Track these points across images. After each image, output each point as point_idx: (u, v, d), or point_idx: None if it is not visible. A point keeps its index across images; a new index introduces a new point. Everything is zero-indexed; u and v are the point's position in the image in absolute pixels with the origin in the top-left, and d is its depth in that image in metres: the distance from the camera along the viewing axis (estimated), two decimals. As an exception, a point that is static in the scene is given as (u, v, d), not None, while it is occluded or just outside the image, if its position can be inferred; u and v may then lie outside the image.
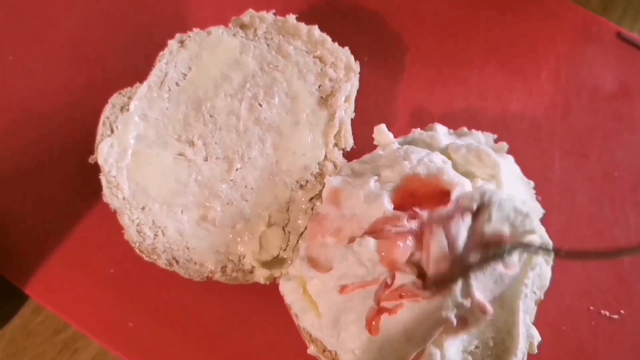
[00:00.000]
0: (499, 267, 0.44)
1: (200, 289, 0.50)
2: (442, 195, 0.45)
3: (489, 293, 0.43)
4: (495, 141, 0.54)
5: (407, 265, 0.43)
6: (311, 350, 0.47)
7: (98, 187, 0.49)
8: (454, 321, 0.42)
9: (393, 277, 0.43)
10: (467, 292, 0.42)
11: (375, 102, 0.56)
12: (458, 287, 0.42)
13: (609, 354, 0.51)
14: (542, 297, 0.48)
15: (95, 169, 0.48)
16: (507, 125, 0.58)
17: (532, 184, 0.52)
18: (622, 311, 0.53)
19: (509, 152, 0.53)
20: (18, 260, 0.53)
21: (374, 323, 0.44)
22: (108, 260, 0.52)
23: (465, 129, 0.54)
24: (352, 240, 0.44)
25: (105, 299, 0.52)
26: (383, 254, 0.43)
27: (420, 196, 0.45)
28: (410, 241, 0.43)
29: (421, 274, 0.44)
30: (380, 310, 0.44)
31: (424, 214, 0.44)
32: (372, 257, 0.43)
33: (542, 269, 0.48)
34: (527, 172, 0.52)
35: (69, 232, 0.52)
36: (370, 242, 0.43)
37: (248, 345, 0.50)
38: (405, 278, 0.44)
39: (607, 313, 0.53)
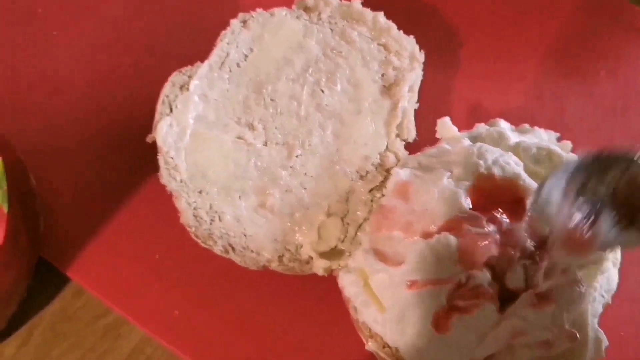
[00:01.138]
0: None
1: (250, 279, 0.48)
2: (517, 201, 0.44)
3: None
4: (558, 140, 0.52)
5: (484, 266, 0.42)
6: (369, 346, 0.46)
7: (151, 169, 0.47)
8: (529, 335, 0.41)
9: (469, 277, 0.42)
10: (558, 317, 0.41)
11: (434, 94, 0.55)
12: (549, 310, 0.41)
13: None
14: (610, 301, 0.47)
15: (152, 150, 0.46)
16: (565, 125, 0.57)
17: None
18: (681, 319, 0.51)
19: (572, 151, 0.51)
20: (60, 241, 0.50)
21: (443, 321, 0.42)
22: (154, 246, 0.50)
23: (527, 125, 0.52)
24: (424, 236, 0.43)
25: (151, 286, 0.50)
26: (463, 252, 0.41)
27: (494, 199, 0.44)
28: (490, 243, 0.41)
29: (495, 278, 0.43)
30: (451, 309, 0.42)
31: (504, 220, 0.42)
32: (451, 255, 0.41)
33: (610, 273, 0.47)
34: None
35: (115, 214, 0.50)
36: (452, 239, 0.41)
37: (300, 339, 0.48)
38: (481, 279, 0.42)
39: (667, 321, 0.51)
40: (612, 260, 0.47)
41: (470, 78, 0.57)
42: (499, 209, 0.44)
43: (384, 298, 0.44)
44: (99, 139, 0.51)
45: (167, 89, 0.47)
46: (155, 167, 0.46)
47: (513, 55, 0.59)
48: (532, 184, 0.44)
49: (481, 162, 0.45)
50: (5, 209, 0.43)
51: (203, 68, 0.48)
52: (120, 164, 0.51)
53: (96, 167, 0.51)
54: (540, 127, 0.53)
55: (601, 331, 0.45)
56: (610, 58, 0.60)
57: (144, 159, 0.47)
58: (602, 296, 0.46)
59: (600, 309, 0.46)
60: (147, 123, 0.47)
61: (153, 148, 0.46)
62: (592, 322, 0.45)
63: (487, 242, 0.42)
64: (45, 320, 0.51)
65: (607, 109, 0.58)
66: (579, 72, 0.59)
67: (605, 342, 0.45)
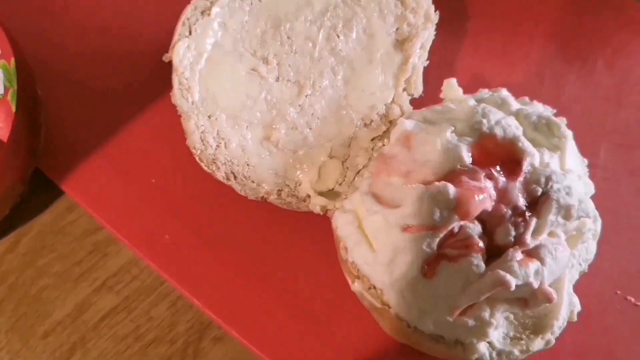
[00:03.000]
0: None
1: (245, 210, 0.49)
2: (514, 161, 0.45)
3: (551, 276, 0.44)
4: (555, 115, 0.54)
5: (477, 219, 0.43)
6: (355, 286, 0.47)
7: (162, 89, 0.47)
8: (513, 287, 0.42)
9: (461, 227, 0.43)
10: (540, 275, 0.42)
11: (442, 56, 0.56)
12: (533, 268, 0.42)
13: (632, 340, 0.52)
14: (586, 270, 0.49)
15: (166, 70, 0.46)
16: (562, 105, 0.58)
17: (586, 161, 0.52)
18: (647, 299, 0.54)
19: (566, 127, 0.53)
20: (58, 153, 0.51)
21: (431, 267, 0.44)
22: (154, 167, 0.51)
23: (527, 98, 0.54)
24: (424, 184, 0.44)
25: (145, 207, 0.50)
26: (460, 202, 0.43)
27: (493, 157, 0.45)
28: (486, 197, 0.43)
29: (485, 233, 0.44)
30: (440, 256, 0.44)
31: (501, 178, 0.44)
32: (448, 204, 0.43)
33: (589, 243, 0.49)
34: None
35: (118, 131, 0.51)
36: (451, 187, 0.43)
37: (287, 273, 0.49)
38: (473, 231, 0.43)
39: (633, 299, 0.54)
40: (593, 232, 0.49)
41: (477, 48, 0.58)
42: (497, 167, 0.45)
43: (376, 240, 0.45)
44: (114, 53, 0.51)
45: (188, 12, 0.47)
46: (167, 88, 0.47)
47: (519, 34, 0.60)
48: (530, 147, 0.46)
49: (484, 121, 0.46)
50: (13, 109, 0.43)
51: (226, -4, 0.48)
52: (132, 80, 0.51)
53: (106, 81, 0.51)
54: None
55: (576, 296, 0.47)
56: (608, 49, 0.62)
57: (157, 78, 0.47)
58: (580, 264, 0.48)
59: (576, 276, 0.48)
60: (165, 42, 0.47)
61: (167, 68, 0.47)
62: (569, 286, 0.47)
63: (483, 195, 0.43)
64: (34, 230, 0.51)
65: (602, 97, 0.60)
66: (579, 58, 0.61)
67: (578, 307, 0.47)
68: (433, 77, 0.53)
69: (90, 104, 0.51)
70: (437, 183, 0.44)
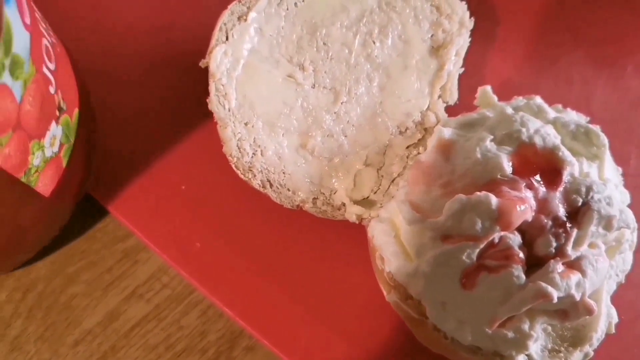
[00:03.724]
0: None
1: (277, 218, 0.49)
2: (554, 171, 0.45)
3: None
4: (588, 123, 0.53)
5: (517, 230, 0.43)
6: (391, 296, 0.46)
7: (196, 96, 0.46)
8: (555, 299, 0.42)
9: (501, 238, 0.43)
10: (581, 287, 0.42)
11: (475, 62, 0.55)
12: (574, 280, 0.42)
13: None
14: (623, 280, 0.48)
15: (203, 76, 0.46)
16: (591, 112, 0.58)
17: (620, 170, 0.52)
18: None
19: (599, 136, 0.53)
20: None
21: (470, 278, 0.43)
22: (183, 176, 0.50)
23: (560, 106, 0.53)
24: (463, 194, 0.43)
25: (175, 215, 0.50)
26: (501, 213, 0.42)
27: (533, 167, 0.45)
28: (527, 208, 0.42)
29: (525, 243, 0.44)
30: (480, 267, 0.43)
31: (541, 188, 0.43)
32: (490, 214, 0.42)
33: (626, 253, 0.48)
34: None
35: (151, 136, 0.50)
36: (493, 198, 0.42)
37: (320, 283, 0.48)
38: (513, 241, 0.43)
39: (666, 310, 0.53)
40: (630, 243, 0.48)
41: (508, 54, 0.58)
42: (537, 177, 0.45)
43: (414, 250, 0.45)
44: (151, 59, 0.51)
45: (225, 17, 0.46)
46: (205, 94, 0.46)
47: (550, 38, 0.60)
48: (570, 156, 0.45)
49: (523, 130, 0.46)
50: (64, 164, 0.41)
51: (262, 1, 0.47)
52: (169, 87, 0.50)
53: (143, 88, 0.50)
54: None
55: (613, 308, 0.47)
56: (638, 55, 0.61)
57: (194, 84, 0.46)
58: (617, 275, 0.48)
59: (614, 287, 0.48)
60: (203, 48, 0.46)
61: (204, 74, 0.46)
62: (606, 298, 0.46)
63: (525, 206, 0.43)
64: (62, 236, 0.50)
65: (631, 102, 0.59)
66: (607, 63, 0.61)
67: (615, 319, 0.47)
68: (466, 84, 0.53)
69: (126, 112, 0.50)
70: (478, 193, 0.43)
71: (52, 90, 0.35)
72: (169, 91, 0.50)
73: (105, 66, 0.51)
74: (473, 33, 0.53)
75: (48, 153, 0.36)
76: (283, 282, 0.48)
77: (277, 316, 0.48)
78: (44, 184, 0.38)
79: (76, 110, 0.41)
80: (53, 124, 0.36)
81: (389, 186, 0.48)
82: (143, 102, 0.50)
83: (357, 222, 0.47)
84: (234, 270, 0.49)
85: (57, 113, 0.36)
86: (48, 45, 0.35)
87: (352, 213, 0.46)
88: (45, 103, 0.34)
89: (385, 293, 0.47)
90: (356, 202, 0.47)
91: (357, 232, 0.48)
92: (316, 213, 0.47)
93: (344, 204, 0.47)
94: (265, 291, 0.48)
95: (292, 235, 0.49)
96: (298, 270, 0.49)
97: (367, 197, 0.48)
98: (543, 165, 0.45)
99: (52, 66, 0.35)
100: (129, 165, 0.49)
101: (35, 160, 0.35)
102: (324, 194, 0.47)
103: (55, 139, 0.37)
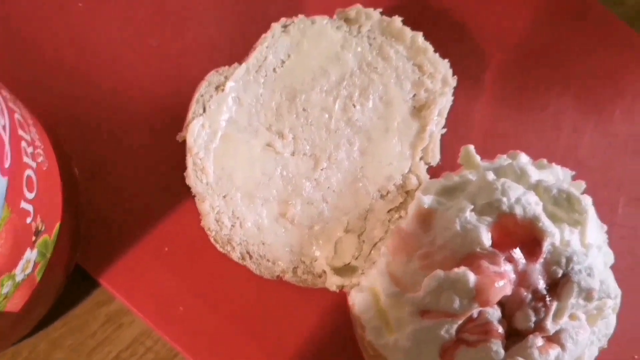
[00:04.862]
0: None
1: (261, 287, 0.48)
2: (534, 242, 0.44)
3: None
4: (573, 178, 0.53)
5: (496, 303, 0.43)
6: (372, 365, 0.46)
7: (177, 168, 0.46)
8: None
9: (480, 312, 0.43)
10: None
11: (458, 119, 0.55)
12: (553, 354, 0.42)
13: (649, 407, 0.52)
14: (606, 345, 0.48)
15: (180, 149, 0.45)
16: (579, 161, 0.58)
17: (605, 227, 0.51)
18: (665, 364, 0.53)
19: (584, 192, 0.52)
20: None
21: (449, 352, 0.43)
22: (164, 238, 0.50)
23: (545, 161, 0.53)
24: (442, 268, 0.43)
25: (158, 278, 0.49)
26: (479, 290, 0.42)
27: (513, 238, 0.44)
28: (505, 283, 0.42)
29: (504, 316, 0.44)
30: (459, 341, 0.43)
31: (521, 260, 0.43)
32: (469, 291, 0.42)
33: (609, 318, 0.48)
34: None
35: (132, 208, 0.50)
36: (471, 276, 0.42)
37: (304, 351, 0.48)
38: (492, 316, 0.43)
39: (651, 364, 0.53)
40: (612, 307, 0.48)
41: (494, 106, 0.57)
42: (516, 249, 0.45)
43: (394, 322, 0.45)
44: (127, 133, 0.50)
45: (202, 88, 0.46)
46: (182, 167, 0.46)
47: (537, 84, 0.59)
48: (551, 226, 0.45)
49: (504, 199, 0.46)
50: (37, 279, 0.39)
51: (240, 70, 0.47)
52: (145, 160, 0.50)
53: (119, 161, 0.50)
54: (555, 159, 0.54)
55: (595, 377, 0.47)
56: (627, 98, 0.61)
57: (172, 157, 0.46)
58: (599, 340, 0.48)
59: (596, 352, 0.47)
60: (179, 121, 0.46)
61: (182, 147, 0.46)
62: (588, 365, 0.46)
63: (503, 282, 0.43)
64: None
65: (620, 148, 0.59)
66: (596, 108, 0.60)
67: (597, 388, 0.47)
68: (449, 142, 0.52)
69: (104, 180, 0.50)
70: (456, 270, 0.43)
71: (29, 220, 0.34)
72: (149, 165, 0.50)
73: (83, 135, 0.50)
74: (455, 91, 0.52)
75: (19, 278, 0.35)
76: (268, 351, 0.48)
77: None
78: (14, 304, 0.37)
79: (57, 225, 0.39)
80: (28, 251, 0.34)
81: (371, 251, 0.48)
82: (119, 178, 0.50)
83: (337, 291, 0.47)
84: (218, 335, 0.49)
85: (34, 238, 0.35)
86: (31, 174, 0.34)
87: (333, 283, 0.46)
88: (18, 237, 0.33)
89: None
90: (337, 269, 0.47)
91: (340, 299, 0.48)
92: (297, 282, 0.47)
93: (324, 272, 0.47)
94: (249, 355, 0.48)
95: (274, 304, 0.49)
96: (284, 338, 0.49)
97: (349, 263, 0.47)
98: (523, 236, 0.45)
99: (31, 195, 0.34)
100: (113, 234, 0.49)
101: (4, 289, 0.34)
102: (304, 262, 0.47)
103: (29, 263, 0.35)
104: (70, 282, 0.49)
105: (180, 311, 0.49)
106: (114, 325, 0.50)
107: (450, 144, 0.52)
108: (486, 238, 0.44)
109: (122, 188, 0.50)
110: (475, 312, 0.43)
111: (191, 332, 0.49)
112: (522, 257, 0.44)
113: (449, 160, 0.52)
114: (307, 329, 0.48)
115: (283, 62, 0.48)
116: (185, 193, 0.46)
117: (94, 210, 0.49)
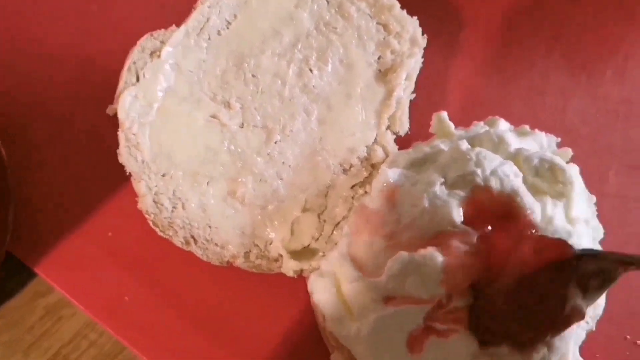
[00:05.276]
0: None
1: (214, 272, 0.44)
2: (510, 217, 0.40)
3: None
4: (558, 145, 0.48)
5: (468, 290, 0.38)
6: (335, 357, 0.43)
7: (111, 144, 0.41)
8: None
9: (450, 298, 0.38)
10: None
11: (431, 84, 0.50)
12: (537, 357, 0.38)
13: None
14: (594, 328, 0.44)
15: (113, 123, 0.41)
16: (566, 127, 0.53)
17: (593, 198, 0.47)
18: (659, 345, 0.49)
19: (571, 160, 0.48)
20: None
21: (417, 341, 0.39)
22: (105, 222, 0.46)
23: (527, 127, 0.48)
24: (408, 248, 0.39)
25: (101, 267, 0.45)
26: (448, 273, 0.37)
27: (488, 213, 0.40)
28: (477, 265, 0.38)
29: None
30: (427, 330, 0.39)
31: (496, 238, 0.38)
32: (436, 275, 0.37)
33: (598, 300, 0.44)
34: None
35: (67, 191, 0.45)
36: (438, 258, 0.37)
37: (260, 343, 0.44)
38: (462, 302, 0.38)
39: (644, 344, 0.49)
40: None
41: (470, 67, 0.52)
42: (491, 226, 0.40)
43: (356, 310, 0.41)
44: (54, 106, 0.45)
45: (135, 55, 0.41)
46: (115, 143, 0.41)
47: (519, 43, 0.54)
48: (530, 201, 0.40)
49: (478, 171, 0.41)
50: None
51: (178, 33, 0.42)
52: (79, 136, 0.45)
53: (53, 138, 0.45)
54: (540, 125, 0.49)
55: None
56: (618, 58, 0.56)
57: (103, 132, 0.41)
58: (587, 322, 0.44)
59: (583, 336, 0.44)
60: (110, 92, 0.41)
61: (114, 121, 0.41)
62: (574, 351, 0.42)
63: (474, 264, 0.38)
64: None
65: (610, 112, 0.54)
66: (586, 69, 0.55)
67: (585, 372, 0.43)
68: (422, 109, 0.47)
69: (35, 160, 0.45)
70: (423, 251, 0.39)
71: None
72: (80, 142, 0.45)
73: (10, 113, 0.45)
74: (430, 51, 0.47)
75: None
76: (221, 341, 0.45)
77: (215, 375, 0.44)
78: None
79: None
80: None
81: (332, 232, 0.43)
82: (51, 158, 0.45)
83: (295, 277, 0.42)
84: (166, 327, 0.45)
85: None
86: None
87: (290, 268, 0.42)
88: None
89: (330, 351, 0.43)
90: (295, 253, 0.43)
91: (297, 285, 0.43)
92: (249, 268, 0.42)
93: (281, 256, 0.42)
94: (201, 350, 0.45)
95: (226, 292, 0.44)
96: (236, 329, 0.45)
97: (308, 245, 0.43)
98: (500, 211, 0.41)
99: None
100: (47, 219, 0.45)
101: None
102: (257, 246, 0.42)
103: None
104: (4, 273, 0.45)
105: (125, 301, 0.45)
106: (54, 318, 0.46)
107: (420, 111, 0.47)
108: (457, 215, 0.40)
109: (54, 169, 0.45)
110: (444, 298, 0.39)
111: (138, 324, 0.45)
112: (497, 234, 0.40)
113: (419, 130, 0.47)
114: (262, 319, 0.45)
115: (228, 23, 0.44)
116: (123, 172, 0.41)
117: (26, 194, 0.45)
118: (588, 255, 0.38)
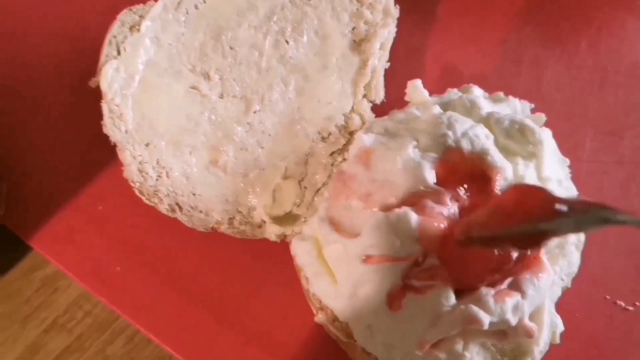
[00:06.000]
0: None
1: (201, 239, 0.46)
2: (482, 177, 0.41)
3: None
4: (532, 111, 0.49)
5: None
6: (319, 318, 0.44)
7: (96, 116, 0.43)
8: (486, 326, 0.39)
9: (425, 256, 0.39)
10: (519, 310, 0.39)
11: (406, 53, 0.51)
12: (511, 303, 0.38)
13: (621, 345, 0.49)
14: (570, 285, 0.45)
15: (96, 94, 0.42)
16: (542, 96, 0.54)
17: (567, 161, 0.48)
18: (637, 303, 0.50)
19: (545, 124, 0.49)
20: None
21: (396, 299, 0.40)
22: (97, 199, 0.47)
23: (501, 94, 0.49)
24: (384, 208, 0.40)
25: (92, 238, 0.47)
26: (422, 231, 0.39)
27: (461, 174, 0.41)
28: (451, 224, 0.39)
29: None
30: (405, 287, 0.40)
31: (466, 199, 0.39)
32: (411, 233, 0.39)
33: (572, 256, 0.45)
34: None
35: (56, 162, 0.47)
36: (413, 216, 0.39)
37: (247, 306, 0.46)
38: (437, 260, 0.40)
39: (623, 304, 0.50)
40: (575, 244, 0.45)
41: (446, 37, 0.53)
42: (463, 186, 0.41)
43: (337, 271, 0.42)
44: (39, 80, 0.47)
45: (115, 29, 0.42)
46: (99, 115, 0.42)
47: (495, 14, 0.55)
48: (500, 160, 0.42)
49: (450, 133, 0.42)
50: None
51: (157, 7, 0.43)
52: (64, 109, 0.46)
53: (38, 111, 0.47)
54: (515, 94, 0.50)
55: (558, 316, 0.44)
56: (593, 28, 0.57)
57: (91, 104, 0.43)
58: (562, 279, 0.45)
59: (559, 293, 0.45)
60: (92, 65, 0.42)
61: (97, 93, 0.42)
62: (550, 306, 0.43)
63: (447, 222, 0.40)
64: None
65: (585, 81, 0.55)
66: (560, 39, 0.56)
67: (560, 328, 0.44)
68: (397, 78, 0.48)
69: (21, 133, 0.47)
70: (397, 210, 0.40)
71: None
72: (64, 115, 0.47)
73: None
74: (405, 22, 0.48)
75: None
76: (210, 306, 0.46)
77: (205, 341, 0.46)
78: None
79: None
80: None
81: (314, 198, 0.44)
82: (37, 130, 0.46)
83: (278, 241, 0.44)
84: (158, 294, 0.46)
85: None
86: None
87: (272, 233, 0.43)
88: None
89: (314, 312, 0.44)
90: (278, 218, 0.44)
91: (281, 249, 0.45)
92: (234, 234, 0.44)
93: (264, 222, 0.44)
94: (192, 316, 0.46)
95: (212, 257, 0.46)
96: (225, 292, 0.46)
97: (290, 211, 0.44)
98: (472, 171, 0.42)
99: None
100: (39, 193, 0.46)
101: None
102: (241, 212, 0.44)
103: None
104: (0, 247, 0.46)
105: (117, 271, 0.46)
106: (49, 290, 0.48)
107: (397, 80, 0.48)
108: (430, 176, 0.41)
109: (43, 142, 0.46)
110: (420, 256, 0.40)
111: (130, 293, 0.46)
112: (469, 194, 0.41)
113: (395, 98, 0.48)
114: (248, 283, 0.46)
115: (205, -3, 0.45)
116: (109, 144, 0.43)
117: (18, 169, 0.46)
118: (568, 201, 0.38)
